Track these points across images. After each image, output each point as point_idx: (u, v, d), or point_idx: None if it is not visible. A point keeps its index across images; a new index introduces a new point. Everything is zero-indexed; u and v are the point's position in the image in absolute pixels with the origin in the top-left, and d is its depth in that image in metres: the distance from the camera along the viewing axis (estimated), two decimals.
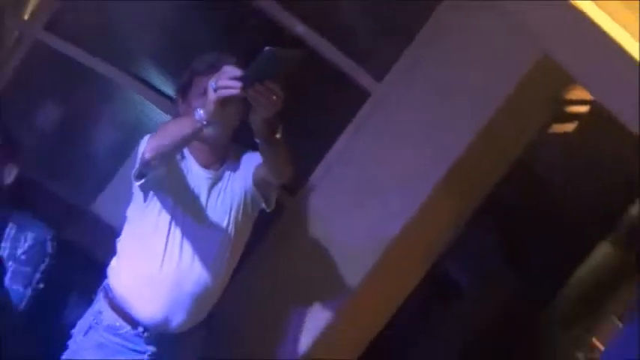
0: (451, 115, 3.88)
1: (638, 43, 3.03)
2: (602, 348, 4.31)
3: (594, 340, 4.10)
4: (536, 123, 4.04)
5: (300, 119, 3.97)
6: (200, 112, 3.12)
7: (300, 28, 4.14)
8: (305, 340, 4.10)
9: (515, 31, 3.67)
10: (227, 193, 3.60)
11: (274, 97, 3.03)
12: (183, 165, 3.56)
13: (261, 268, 4.24)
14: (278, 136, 3.22)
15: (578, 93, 4.09)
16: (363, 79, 4.18)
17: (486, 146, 3.91)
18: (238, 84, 2.98)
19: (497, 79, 3.80)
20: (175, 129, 3.35)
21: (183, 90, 3.57)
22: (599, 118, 4.05)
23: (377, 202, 3.97)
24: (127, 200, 3.65)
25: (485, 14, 3.82)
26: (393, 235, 3.98)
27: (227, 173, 3.60)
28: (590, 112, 4.84)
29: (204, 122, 3.14)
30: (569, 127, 4.44)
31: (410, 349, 4.41)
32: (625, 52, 3.02)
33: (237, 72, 3.00)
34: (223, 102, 3.06)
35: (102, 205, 4.44)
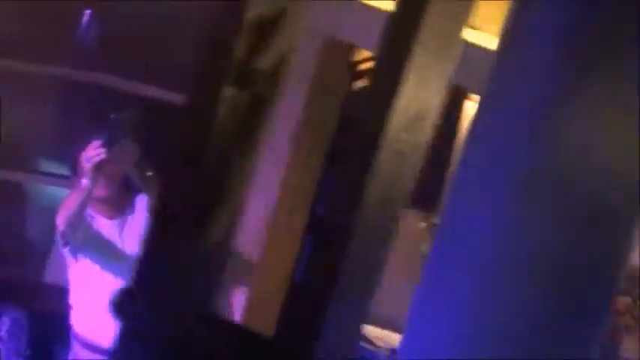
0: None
1: None
2: None
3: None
4: (343, 86, 4.63)
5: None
6: (83, 181, 3.74)
7: (147, 89, 4.61)
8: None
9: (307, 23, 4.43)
10: (134, 231, 3.99)
11: (130, 151, 3.72)
12: (94, 224, 4.00)
13: None
14: (150, 173, 3.81)
15: (364, 54, 4.67)
16: None
17: (313, 116, 4.54)
18: (102, 150, 3.66)
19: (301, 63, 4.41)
20: (71, 200, 3.86)
21: (74, 168, 3.95)
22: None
23: (257, 189, 4.57)
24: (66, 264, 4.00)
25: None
26: (274, 203, 4.61)
27: (129, 217, 4.07)
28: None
29: (88, 187, 3.74)
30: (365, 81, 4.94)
31: None
32: None
33: (99, 143, 3.66)
34: (97, 167, 3.69)
35: (50, 274, 4.79)
